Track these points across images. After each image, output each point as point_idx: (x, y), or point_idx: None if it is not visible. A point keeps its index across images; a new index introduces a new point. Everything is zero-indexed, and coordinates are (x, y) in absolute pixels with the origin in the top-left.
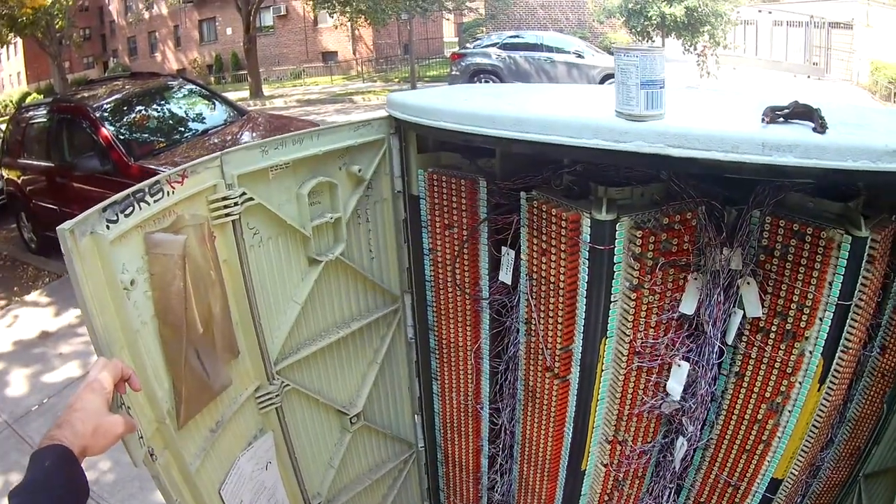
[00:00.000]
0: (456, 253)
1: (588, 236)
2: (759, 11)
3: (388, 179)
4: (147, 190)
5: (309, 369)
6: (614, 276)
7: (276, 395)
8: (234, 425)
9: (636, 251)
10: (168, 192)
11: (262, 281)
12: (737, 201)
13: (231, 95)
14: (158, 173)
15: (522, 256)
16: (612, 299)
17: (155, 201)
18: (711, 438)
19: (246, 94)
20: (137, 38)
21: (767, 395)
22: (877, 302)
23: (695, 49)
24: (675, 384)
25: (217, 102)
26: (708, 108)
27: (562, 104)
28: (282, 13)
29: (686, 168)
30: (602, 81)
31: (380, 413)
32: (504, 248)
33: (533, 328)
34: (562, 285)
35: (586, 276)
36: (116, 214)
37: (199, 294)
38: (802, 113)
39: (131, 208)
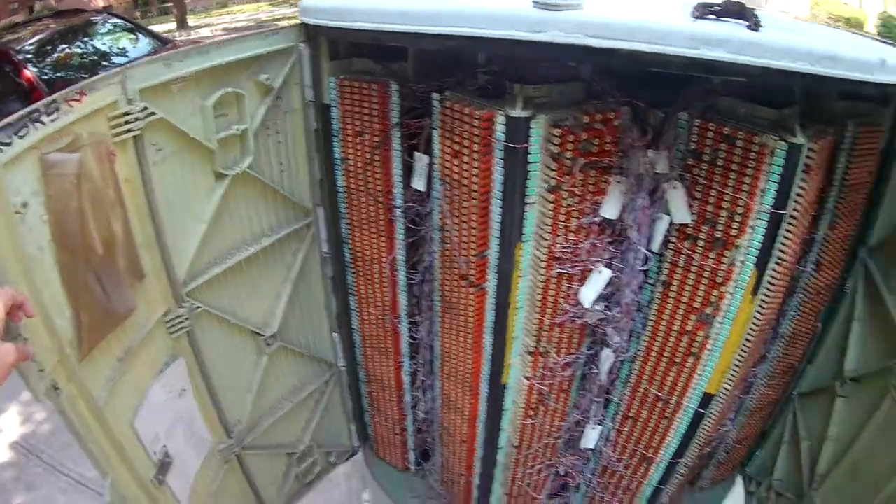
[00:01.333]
0: (368, 161)
1: (502, 134)
2: None
3: (299, 89)
4: (43, 110)
5: (220, 290)
6: (530, 177)
7: (187, 319)
8: (143, 353)
9: (554, 150)
10: (65, 111)
11: (168, 199)
12: (664, 104)
13: (157, 28)
14: None
15: (435, 161)
16: (528, 202)
17: (51, 121)
18: (639, 350)
19: (173, 25)
20: None
21: (696, 305)
22: (812, 216)
23: None
24: (589, 291)
25: (141, 35)
26: (634, 2)
27: None
28: None
29: (607, 61)
30: None
31: (297, 333)
32: (417, 154)
33: (447, 235)
34: (475, 188)
35: (500, 178)
36: (10, 137)
37: (97, 215)
38: (735, 11)
39: (26, 129)
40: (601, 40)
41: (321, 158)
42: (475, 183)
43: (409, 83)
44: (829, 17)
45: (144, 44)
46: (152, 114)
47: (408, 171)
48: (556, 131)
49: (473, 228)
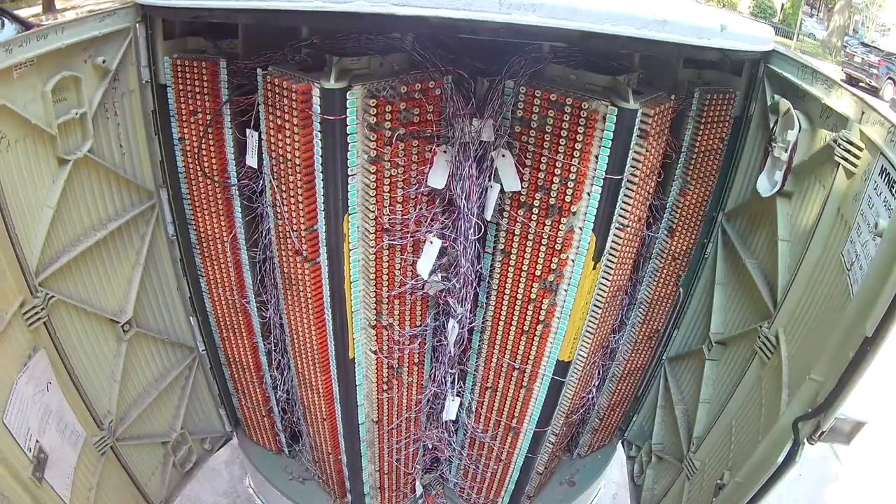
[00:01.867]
0: (201, 139)
1: (318, 107)
2: None
3: (136, 70)
4: None
5: (73, 278)
6: (350, 149)
7: (42, 309)
8: (5, 347)
9: (371, 121)
10: None
11: (13, 188)
12: (490, 72)
13: (24, 12)
14: None
15: (263, 137)
16: (349, 173)
17: None
18: (486, 321)
19: (38, 9)
20: None
21: (538, 273)
22: (658, 182)
23: None
24: (425, 262)
25: (6, 20)
26: None
27: None
28: None
29: (418, 29)
30: None
31: (153, 318)
32: (248, 131)
33: (278, 211)
34: (298, 161)
35: (320, 151)
36: None
37: None
38: None
39: None
40: (407, 8)
41: (160, 140)
42: (297, 157)
43: (238, 60)
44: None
45: (10, 29)
46: None
47: (242, 149)
48: (373, 101)
49: (301, 203)
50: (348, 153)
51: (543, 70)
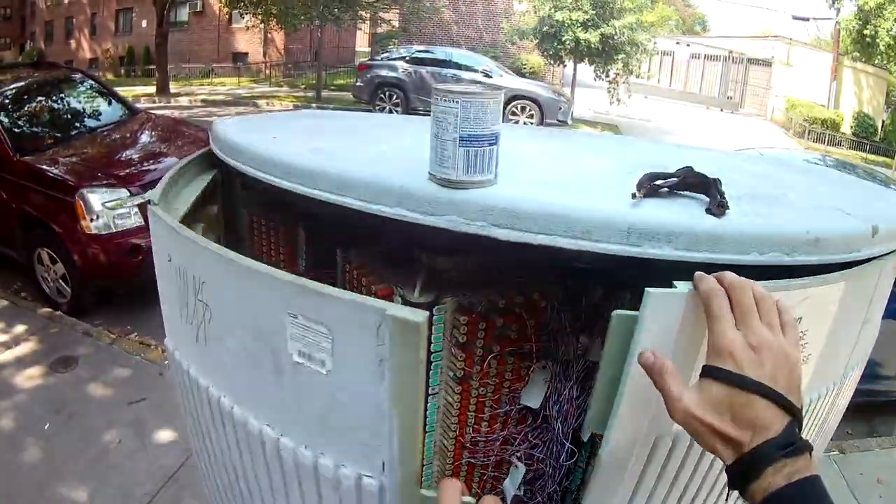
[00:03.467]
0: None
1: None
2: (678, 43)
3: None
4: None
5: None
6: (433, 368)
7: None
8: None
9: (461, 339)
10: None
11: None
12: (605, 283)
13: (139, 90)
14: (42, 171)
15: None
16: (430, 392)
17: None
18: None
19: (153, 89)
20: (55, 22)
21: None
22: None
23: (606, 76)
24: (510, 485)
25: (112, 100)
26: (570, 166)
27: (399, 152)
28: (198, 9)
29: (519, 254)
30: (508, 102)
31: None
32: None
33: None
34: None
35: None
36: None
37: None
38: (695, 184)
39: None
40: (510, 231)
41: None
42: None
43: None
44: (805, 120)
45: (115, 108)
46: None
47: None
48: (464, 318)
49: None
50: (431, 372)
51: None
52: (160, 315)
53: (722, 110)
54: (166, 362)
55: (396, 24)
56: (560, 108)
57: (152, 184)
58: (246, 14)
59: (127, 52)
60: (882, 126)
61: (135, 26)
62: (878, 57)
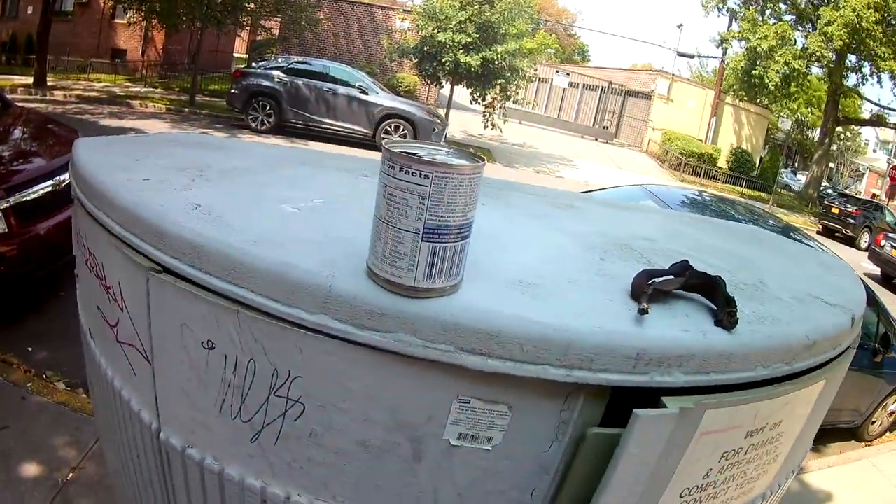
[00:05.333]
0: None
1: None
2: (557, 72)
3: None
4: None
5: None
6: None
7: None
8: None
9: None
10: None
11: None
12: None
13: (16, 80)
14: None
15: None
16: None
17: None
18: None
19: (31, 80)
20: None
21: None
22: None
23: (483, 100)
24: None
25: None
26: (528, 247)
27: (315, 218)
28: (83, 1)
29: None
30: (381, 121)
31: None
32: None
33: None
34: None
35: None
36: None
37: None
38: (698, 286)
39: None
40: (485, 359)
41: None
42: None
43: None
44: (681, 153)
45: None
46: None
47: None
48: None
49: None
50: None
51: None
52: (25, 330)
53: (597, 139)
54: (29, 385)
55: (276, 32)
56: (434, 130)
57: (18, 187)
58: (129, 10)
59: (9, 37)
60: (760, 162)
61: (20, 11)
62: (767, 97)
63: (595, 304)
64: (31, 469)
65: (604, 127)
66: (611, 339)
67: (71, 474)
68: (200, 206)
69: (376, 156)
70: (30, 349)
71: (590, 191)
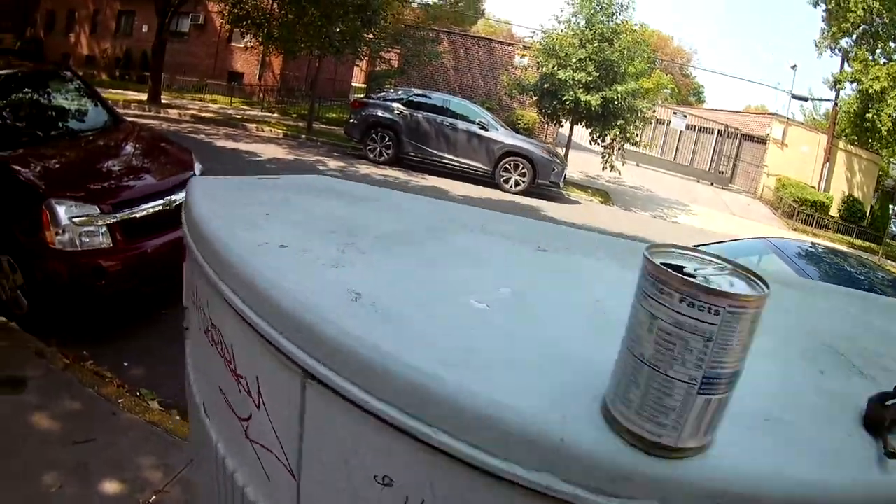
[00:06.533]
0: None
1: None
2: (675, 113)
3: None
4: None
5: None
6: None
7: None
8: None
9: None
10: None
11: None
12: None
13: (131, 95)
14: (9, 170)
15: None
16: None
17: None
18: None
19: (145, 96)
20: (57, 14)
21: None
22: None
23: (602, 140)
24: None
25: (97, 104)
26: (765, 365)
27: (515, 318)
28: (199, 23)
29: None
30: (501, 158)
31: None
32: None
33: None
34: None
35: None
36: None
37: None
38: None
39: None
40: None
41: None
42: None
43: None
44: (795, 201)
45: (100, 115)
46: None
47: None
48: None
49: None
50: None
51: None
52: (123, 345)
53: (712, 184)
54: (121, 401)
55: (395, 63)
56: (554, 170)
57: (126, 203)
58: (247, 34)
59: (124, 54)
60: (871, 211)
61: (135, 30)
62: (878, 142)
63: (838, 443)
64: (111, 486)
65: (719, 172)
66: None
67: (153, 497)
68: (361, 297)
69: (504, 197)
70: (125, 364)
71: (708, 244)
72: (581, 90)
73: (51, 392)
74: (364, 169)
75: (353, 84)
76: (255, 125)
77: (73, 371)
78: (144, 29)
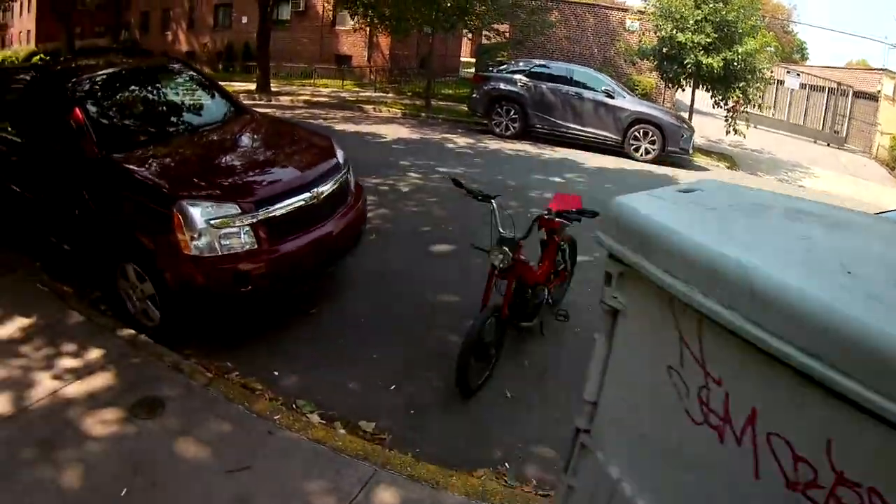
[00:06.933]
0: None
1: None
2: (788, 72)
3: None
4: None
5: None
6: None
7: None
8: None
9: None
10: None
11: None
12: None
13: (238, 86)
14: (131, 172)
15: None
16: None
17: None
18: None
19: (253, 86)
20: (151, 13)
21: None
22: None
23: (725, 104)
24: None
25: (216, 95)
26: None
27: None
28: (300, 9)
29: None
30: (629, 126)
31: None
32: None
33: None
34: None
35: None
36: None
37: None
38: None
39: None
40: None
41: None
42: None
43: None
44: None
45: (219, 106)
46: None
47: None
48: None
49: None
50: None
51: None
52: (271, 350)
53: (829, 144)
54: (277, 417)
55: (506, 35)
56: (682, 136)
57: (267, 200)
58: (356, 16)
59: (225, 47)
60: None
61: (234, 22)
62: None
63: None
64: None
65: (834, 131)
66: None
67: None
68: None
69: (638, 167)
70: (276, 373)
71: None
72: (701, 52)
73: (195, 413)
74: (493, 144)
75: (462, 59)
76: (371, 106)
77: (217, 385)
78: (244, 20)
